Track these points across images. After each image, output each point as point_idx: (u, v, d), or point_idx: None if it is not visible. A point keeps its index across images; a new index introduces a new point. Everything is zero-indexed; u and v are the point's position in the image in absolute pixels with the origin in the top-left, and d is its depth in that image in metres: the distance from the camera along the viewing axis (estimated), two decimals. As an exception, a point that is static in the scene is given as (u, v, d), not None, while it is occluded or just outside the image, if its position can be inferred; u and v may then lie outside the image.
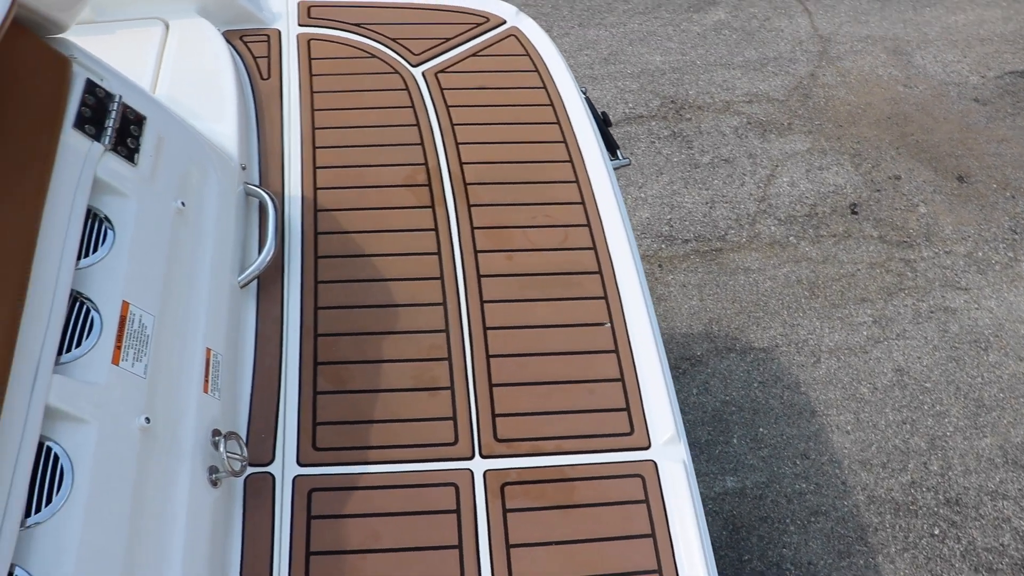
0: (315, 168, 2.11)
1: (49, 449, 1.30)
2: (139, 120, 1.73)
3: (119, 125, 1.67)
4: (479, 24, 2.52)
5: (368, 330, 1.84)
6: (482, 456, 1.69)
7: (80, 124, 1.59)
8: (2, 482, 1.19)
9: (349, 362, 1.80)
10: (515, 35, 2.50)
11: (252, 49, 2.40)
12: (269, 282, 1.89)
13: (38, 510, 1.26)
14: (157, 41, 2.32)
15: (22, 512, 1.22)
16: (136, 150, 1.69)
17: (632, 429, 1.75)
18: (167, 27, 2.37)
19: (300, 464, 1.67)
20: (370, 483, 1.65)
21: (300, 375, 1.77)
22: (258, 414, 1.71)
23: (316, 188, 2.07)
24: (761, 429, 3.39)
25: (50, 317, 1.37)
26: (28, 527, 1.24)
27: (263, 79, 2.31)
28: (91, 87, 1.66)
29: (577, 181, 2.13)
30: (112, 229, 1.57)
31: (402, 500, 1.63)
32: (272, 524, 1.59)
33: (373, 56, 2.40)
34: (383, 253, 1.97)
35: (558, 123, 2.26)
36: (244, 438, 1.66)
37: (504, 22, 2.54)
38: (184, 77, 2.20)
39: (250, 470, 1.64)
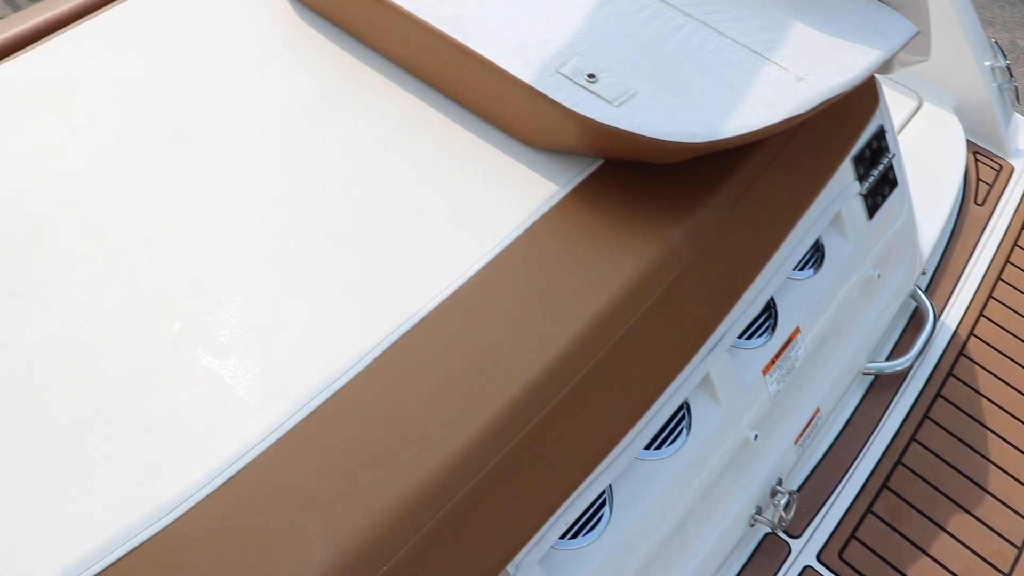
0: (987, 300, 2.00)
1: (686, 406, 1.39)
2: (892, 185, 1.75)
3: (878, 180, 1.70)
4: None
5: (948, 489, 1.72)
6: None
7: (857, 160, 1.64)
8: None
9: (912, 506, 1.70)
10: None
11: (979, 169, 2.33)
12: (886, 383, 1.84)
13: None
14: (906, 112, 2.34)
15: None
16: (876, 209, 1.71)
17: None
18: (919, 105, 2.37)
19: (818, 559, 1.62)
20: None
21: (864, 484, 1.71)
22: (811, 488, 1.69)
23: (980, 317, 1.97)
24: None
25: (750, 305, 1.45)
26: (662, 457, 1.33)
27: (976, 204, 2.23)
28: (879, 134, 1.70)
29: None
30: (821, 263, 1.61)
31: None
32: None
33: None
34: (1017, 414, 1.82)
35: None
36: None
37: None
38: (911, 158, 2.20)
39: (777, 531, 1.63)
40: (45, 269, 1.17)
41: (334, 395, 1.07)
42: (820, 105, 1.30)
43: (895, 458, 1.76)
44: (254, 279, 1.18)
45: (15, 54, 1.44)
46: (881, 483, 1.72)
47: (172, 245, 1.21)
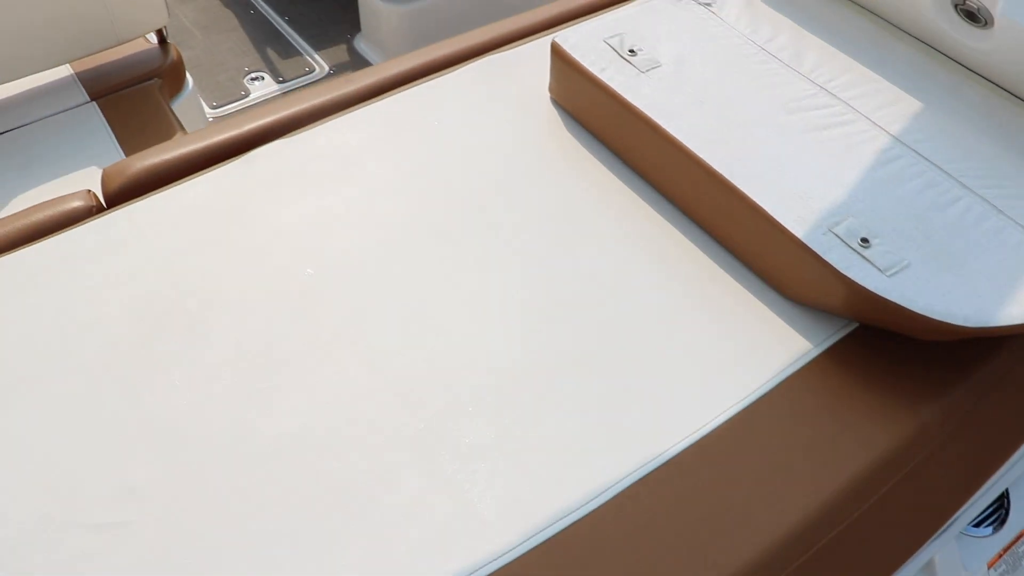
0: None
1: None
2: None
3: None
4: None
5: None
6: None
7: None
8: None
9: None
10: None
11: None
12: None
13: None
14: None
15: None
16: None
17: None
18: None
19: None
20: None
21: None
22: None
23: None
24: None
25: (985, 493, 1.38)
26: None
27: None
28: None
29: None
30: None
31: None
32: None
33: None
34: None
35: None
36: None
37: None
38: None
39: None
40: (303, 344, 1.24)
41: (575, 523, 1.08)
42: None
43: None
44: (503, 390, 1.21)
45: (304, 128, 1.55)
46: None
47: (426, 342, 1.25)
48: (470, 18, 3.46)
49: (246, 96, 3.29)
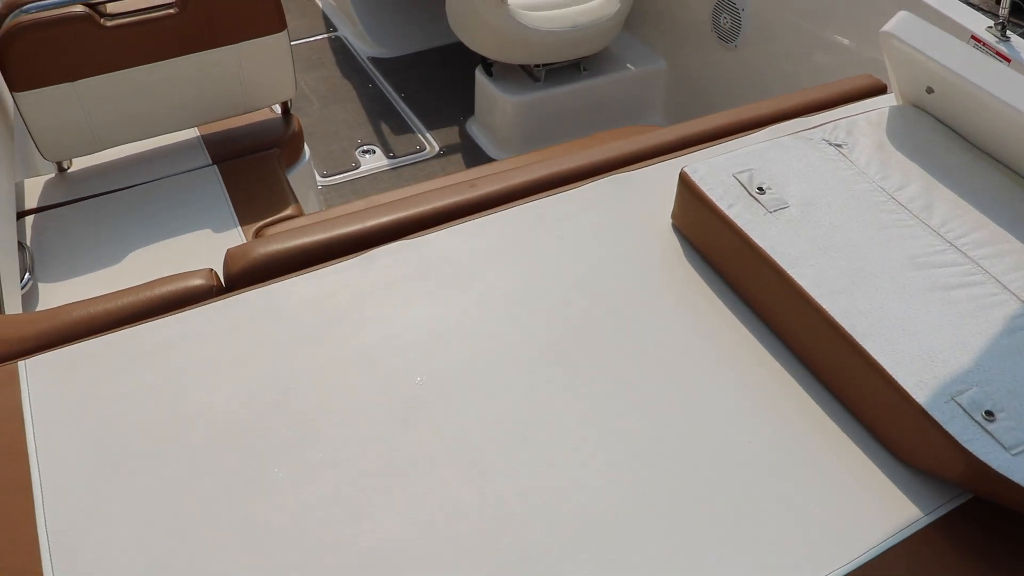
0: None
1: None
2: None
3: None
4: None
5: None
6: None
7: None
8: None
9: None
10: None
11: None
12: None
13: None
14: None
15: None
16: None
17: None
18: None
19: None
20: None
21: None
22: None
23: None
24: None
25: None
26: None
27: None
28: None
29: None
30: None
31: None
32: None
33: None
34: None
35: None
36: None
37: None
38: None
39: None
40: (405, 456, 1.23)
41: None
42: None
43: None
44: (599, 526, 1.18)
45: (425, 231, 1.57)
46: None
47: (529, 467, 1.23)
48: (582, 114, 3.51)
49: (356, 168, 3.38)
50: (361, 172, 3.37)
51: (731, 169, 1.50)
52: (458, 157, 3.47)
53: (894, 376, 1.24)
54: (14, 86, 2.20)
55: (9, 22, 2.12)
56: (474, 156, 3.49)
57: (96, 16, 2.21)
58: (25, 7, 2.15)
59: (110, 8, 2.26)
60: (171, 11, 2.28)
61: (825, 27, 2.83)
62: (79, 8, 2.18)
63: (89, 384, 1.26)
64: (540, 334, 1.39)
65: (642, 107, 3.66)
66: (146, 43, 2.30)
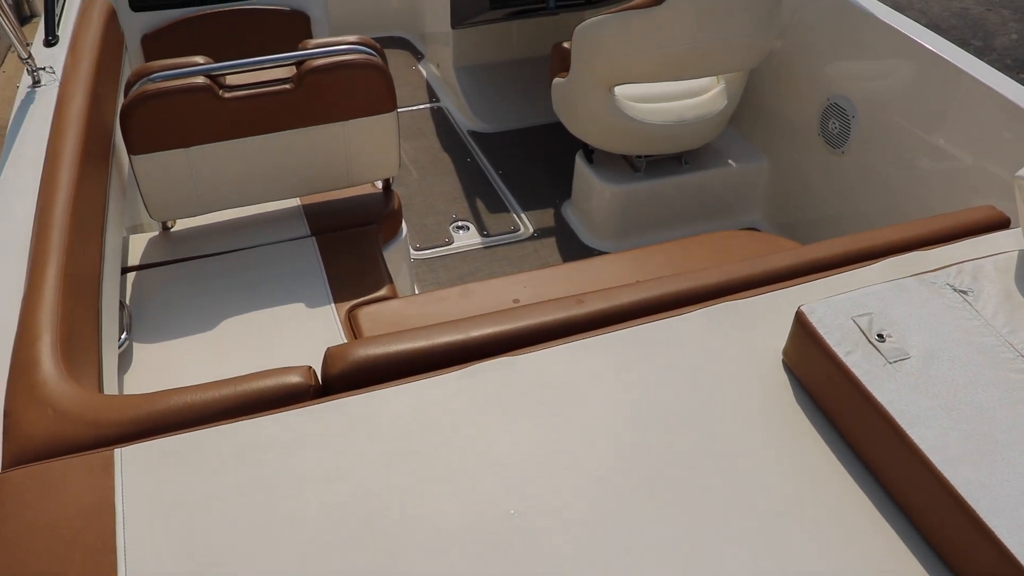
0: None
1: None
2: None
3: None
4: None
5: None
6: None
7: None
8: None
9: None
10: None
11: None
12: None
13: None
14: None
15: None
16: None
17: None
18: None
19: None
20: None
21: None
22: None
23: None
24: None
25: None
26: None
27: None
28: None
29: None
30: None
31: None
32: None
33: None
34: None
35: None
36: None
37: None
38: None
39: None
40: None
41: None
42: None
43: None
44: None
45: (530, 348, 1.52)
46: None
47: None
48: (680, 207, 3.47)
49: (449, 243, 3.39)
50: (454, 248, 3.38)
51: (850, 312, 1.43)
52: (552, 241, 3.45)
53: (1013, 551, 1.15)
54: (132, 149, 2.27)
55: (136, 90, 2.19)
56: (569, 241, 3.47)
57: (216, 88, 2.27)
58: (152, 75, 2.22)
59: (229, 80, 2.32)
60: (287, 86, 2.33)
61: (939, 139, 2.75)
62: (201, 80, 2.24)
63: (182, 481, 1.25)
64: (641, 469, 1.33)
65: (742, 204, 3.60)
66: (259, 116, 2.35)
